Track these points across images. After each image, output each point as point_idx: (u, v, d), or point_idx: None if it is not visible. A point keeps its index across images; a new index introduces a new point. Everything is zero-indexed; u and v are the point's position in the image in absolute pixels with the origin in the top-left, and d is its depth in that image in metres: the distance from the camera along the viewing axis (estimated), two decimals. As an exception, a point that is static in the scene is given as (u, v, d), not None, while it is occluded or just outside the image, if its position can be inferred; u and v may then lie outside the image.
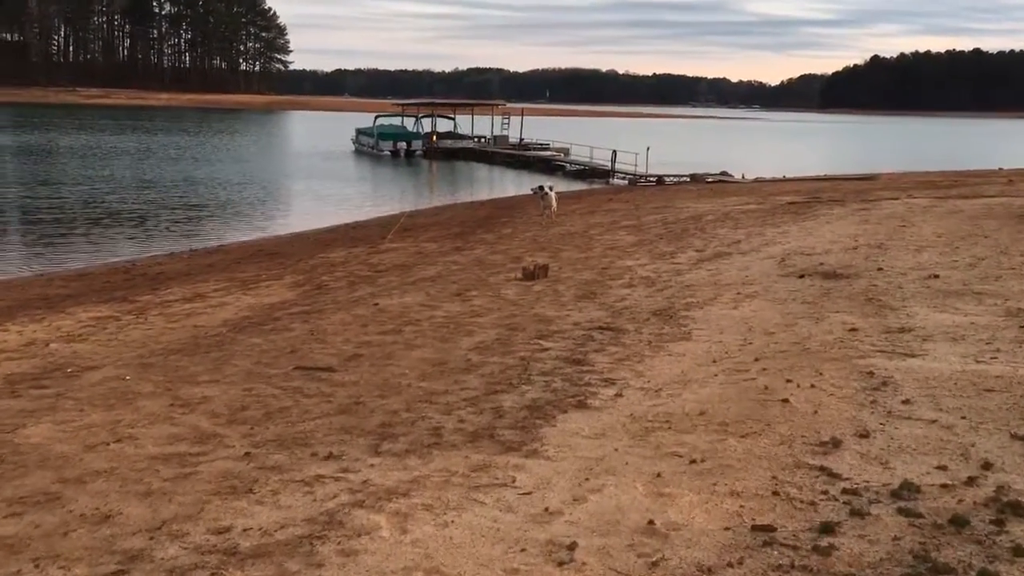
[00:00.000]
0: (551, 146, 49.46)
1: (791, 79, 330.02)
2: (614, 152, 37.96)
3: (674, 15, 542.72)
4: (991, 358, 5.99)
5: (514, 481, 4.33)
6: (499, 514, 3.94)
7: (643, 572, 3.39)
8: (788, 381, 5.69)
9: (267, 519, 4.00)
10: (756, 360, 6.30)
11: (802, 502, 3.91)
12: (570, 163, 44.04)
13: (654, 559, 3.47)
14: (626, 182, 35.89)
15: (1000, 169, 38.13)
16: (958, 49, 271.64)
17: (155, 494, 4.40)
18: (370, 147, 51.57)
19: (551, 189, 17.76)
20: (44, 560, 3.71)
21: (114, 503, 4.30)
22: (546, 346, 7.30)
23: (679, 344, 7.02)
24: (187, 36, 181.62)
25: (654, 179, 34.48)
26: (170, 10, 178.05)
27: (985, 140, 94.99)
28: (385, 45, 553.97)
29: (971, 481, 4.04)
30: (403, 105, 59.47)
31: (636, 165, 36.47)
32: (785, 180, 30.74)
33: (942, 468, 4.21)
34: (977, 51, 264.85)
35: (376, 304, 9.60)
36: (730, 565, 3.40)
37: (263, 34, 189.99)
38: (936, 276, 8.95)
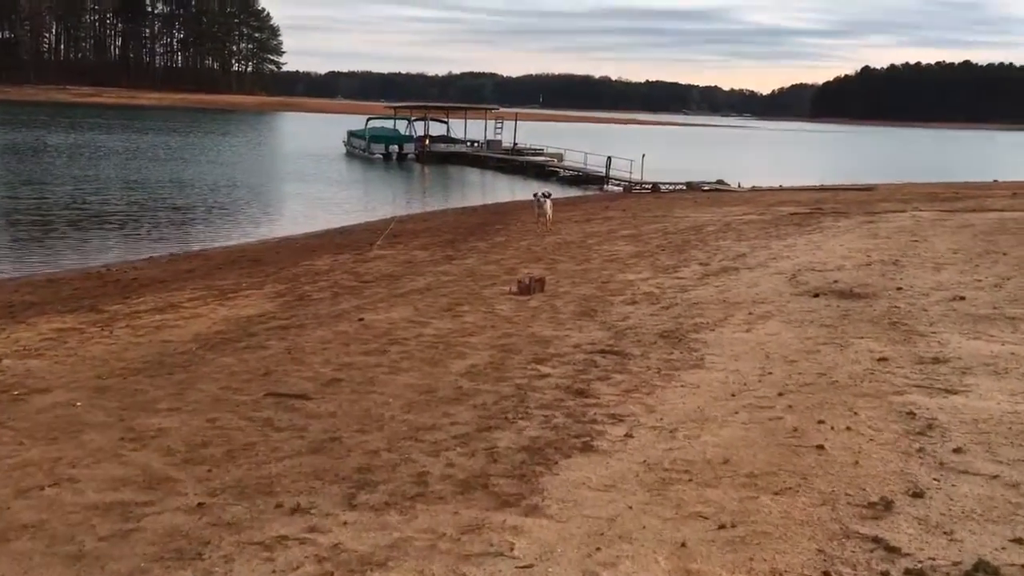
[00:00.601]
0: (545, 151, 48.84)
1: (782, 88, 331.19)
2: (609, 158, 37.33)
3: (668, 23, 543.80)
4: (1043, 396, 5.37)
5: (512, 549, 3.66)
6: (494, 595, 3.28)
7: None
8: (820, 422, 5.04)
9: (215, 597, 3.33)
10: (780, 395, 5.65)
11: (858, 585, 3.26)
12: (564, 169, 43.39)
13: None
14: (620, 189, 35.28)
15: (995, 181, 37.82)
16: (948, 61, 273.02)
17: (86, 558, 3.72)
18: (361, 150, 50.84)
19: (548, 196, 17.11)
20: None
21: (36, 570, 3.62)
22: (544, 372, 6.65)
23: (692, 373, 6.37)
24: (179, 36, 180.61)
25: (649, 186, 33.89)
26: (163, 9, 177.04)
27: (975, 151, 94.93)
28: (379, 48, 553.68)
29: (1055, 559, 3.41)
30: (395, 108, 58.76)
31: (631, 172, 35.86)
32: (782, 189, 30.20)
33: (1018, 541, 3.56)
34: (967, 63, 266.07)
35: (361, 319, 8.92)
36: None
37: (256, 35, 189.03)
38: (962, 298, 8.34)
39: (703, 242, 13.89)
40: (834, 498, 4.03)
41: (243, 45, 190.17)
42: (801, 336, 7.30)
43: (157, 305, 10.92)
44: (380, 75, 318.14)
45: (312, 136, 71.65)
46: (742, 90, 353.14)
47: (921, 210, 17.17)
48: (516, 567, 3.50)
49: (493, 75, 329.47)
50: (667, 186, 33.63)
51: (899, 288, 8.96)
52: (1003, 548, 3.52)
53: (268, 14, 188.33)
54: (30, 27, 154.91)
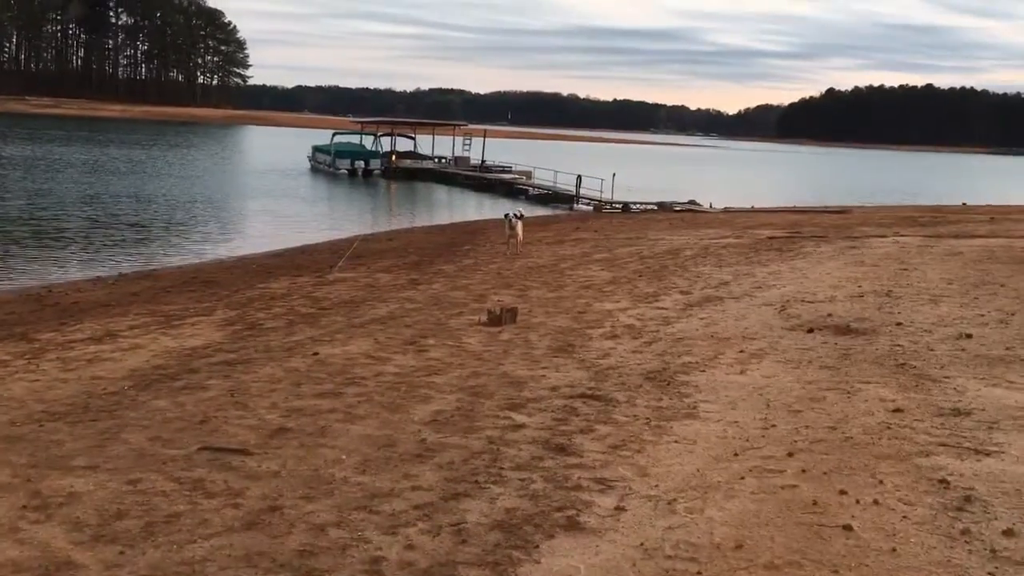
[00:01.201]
0: (513, 169, 48.26)
1: (749, 109, 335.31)
2: (579, 177, 36.79)
3: (635, 43, 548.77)
4: (1087, 459, 4.73)
5: None
6: None
7: None
8: (842, 492, 4.35)
9: None
10: (790, 455, 4.96)
11: None
12: (533, 187, 42.82)
13: None
14: (591, 208, 34.74)
15: (964, 204, 37.94)
16: (911, 84, 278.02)
17: None
18: (326, 165, 49.91)
19: (519, 217, 16.41)
20: None
21: None
22: (519, 421, 5.90)
23: (685, 424, 5.66)
24: (144, 47, 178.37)
25: (620, 206, 33.39)
26: (127, 20, 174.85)
27: (940, 174, 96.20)
28: (347, 63, 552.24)
29: None
30: (362, 123, 57.89)
31: (601, 191, 35.36)
32: (755, 211, 29.82)
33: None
34: (929, 86, 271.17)
35: (315, 353, 8.11)
36: None
37: (222, 48, 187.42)
38: (968, 336, 7.74)
39: (682, 268, 13.26)
40: (877, 602, 3.33)
41: (209, 58, 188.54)
42: (801, 379, 6.63)
43: (94, 334, 10.02)
44: (348, 90, 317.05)
45: (277, 150, 70.55)
46: (709, 110, 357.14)
47: (902, 235, 16.72)
48: None
49: (462, 91, 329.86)
50: (638, 206, 33.17)
51: (899, 323, 8.35)
52: None
53: (234, 27, 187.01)
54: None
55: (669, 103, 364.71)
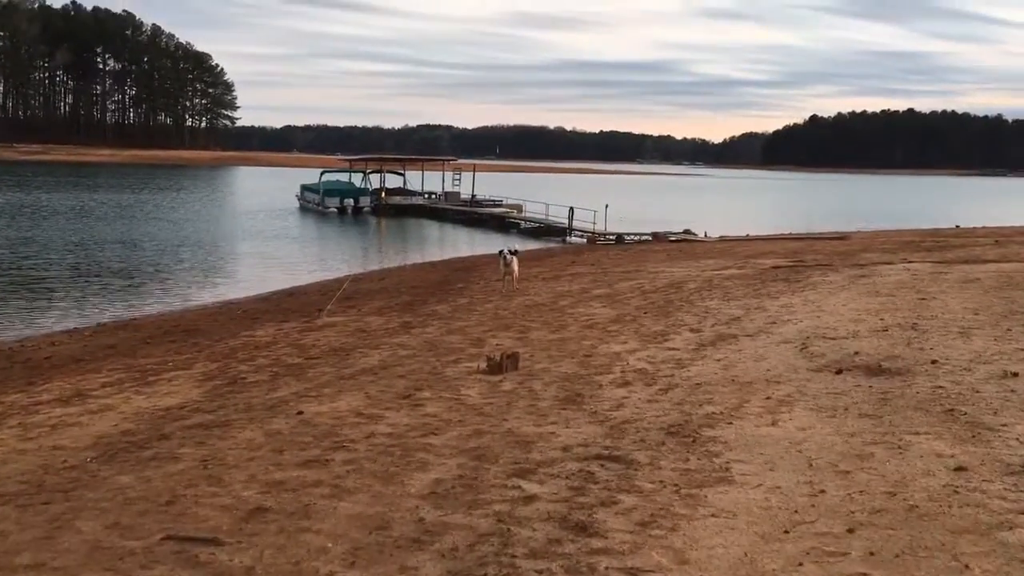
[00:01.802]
0: (504, 202, 47.80)
1: (734, 137, 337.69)
2: (571, 209, 36.30)
3: (620, 75, 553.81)
4: None
5: None
6: None
7: None
8: (923, 582, 3.65)
9: None
10: (850, 531, 4.25)
11: None
12: (525, 220, 42.30)
13: None
14: (584, 240, 34.18)
15: (957, 227, 37.65)
16: (893, 109, 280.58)
17: None
18: (315, 204, 49.37)
19: (514, 253, 15.77)
20: None
21: None
22: (529, 491, 5.19)
23: (720, 491, 4.96)
24: (132, 92, 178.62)
25: (613, 237, 32.85)
26: (114, 66, 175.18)
27: (927, 196, 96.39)
28: (335, 102, 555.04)
29: None
30: (350, 160, 57.47)
31: (594, 223, 34.83)
32: (752, 239, 29.28)
33: None
34: (911, 111, 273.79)
35: (300, 413, 7.39)
36: None
37: (210, 90, 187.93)
38: (1015, 374, 7.08)
39: (688, 302, 12.60)
40: None
41: (197, 100, 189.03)
42: (841, 431, 5.95)
43: (62, 394, 9.29)
44: (336, 128, 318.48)
45: (266, 191, 70.08)
46: (694, 139, 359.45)
47: (911, 261, 16.12)
48: None
49: (449, 127, 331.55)
50: (632, 236, 32.62)
51: (933, 361, 7.68)
52: None
53: (222, 69, 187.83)
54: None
55: (655, 133, 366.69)
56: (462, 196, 50.31)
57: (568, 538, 4.44)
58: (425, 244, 35.77)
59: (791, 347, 8.79)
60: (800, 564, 3.95)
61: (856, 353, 8.20)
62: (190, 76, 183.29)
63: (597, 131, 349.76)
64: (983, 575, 3.70)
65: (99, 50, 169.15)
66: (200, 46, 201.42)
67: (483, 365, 8.84)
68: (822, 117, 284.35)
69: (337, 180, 52.39)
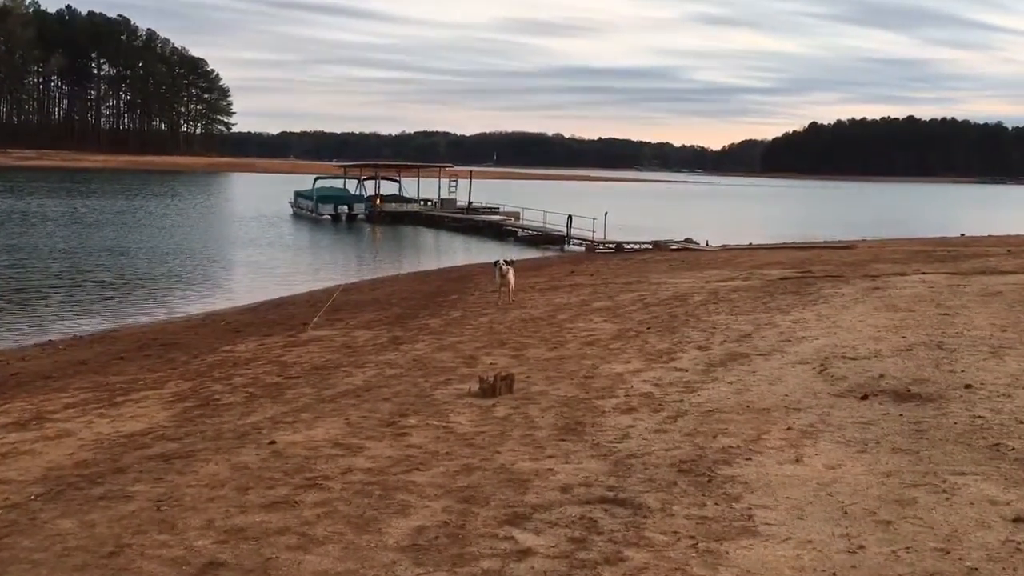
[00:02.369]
0: (501, 210, 47.18)
1: (733, 144, 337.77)
2: (570, 217, 35.68)
3: (618, 82, 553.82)
4: None
5: None
6: None
7: None
8: None
9: None
10: (903, 603, 3.59)
11: None
12: (522, 228, 41.65)
13: None
14: (583, 249, 33.53)
15: (962, 235, 37.12)
16: (892, 116, 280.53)
17: None
18: (309, 211, 48.73)
19: (510, 264, 15.11)
20: None
21: None
22: (524, 543, 4.52)
23: (743, 546, 4.29)
24: (127, 97, 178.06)
25: (613, 246, 32.21)
26: (109, 71, 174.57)
27: (929, 204, 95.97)
28: (331, 108, 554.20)
29: None
30: (345, 167, 56.82)
31: (593, 231, 34.19)
32: (756, 248, 28.65)
33: None
34: (911, 119, 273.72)
35: (272, 442, 6.71)
36: None
37: (205, 96, 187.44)
38: (1060, 401, 6.42)
39: (694, 317, 11.94)
40: None
41: (192, 106, 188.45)
42: (875, 469, 5.28)
43: (21, 416, 8.60)
44: (333, 135, 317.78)
45: (261, 197, 69.47)
46: (694, 146, 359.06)
47: (924, 272, 15.48)
48: None
49: (446, 134, 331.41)
50: (632, 245, 31.98)
51: (967, 385, 7.03)
52: None
53: (218, 75, 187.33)
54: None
55: (654, 140, 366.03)
56: (458, 203, 49.69)
57: (568, 608, 3.77)
58: (420, 252, 35.13)
59: (809, 368, 8.13)
60: (849, 650, 3.28)
61: (881, 376, 7.54)
62: (185, 82, 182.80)
63: (595, 138, 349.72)
64: (1076, 670, 3.04)
65: (94, 55, 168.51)
66: (196, 52, 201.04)
67: (475, 387, 8.17)
68: (822, 124, 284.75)
69: (331, 187, 51.81)
